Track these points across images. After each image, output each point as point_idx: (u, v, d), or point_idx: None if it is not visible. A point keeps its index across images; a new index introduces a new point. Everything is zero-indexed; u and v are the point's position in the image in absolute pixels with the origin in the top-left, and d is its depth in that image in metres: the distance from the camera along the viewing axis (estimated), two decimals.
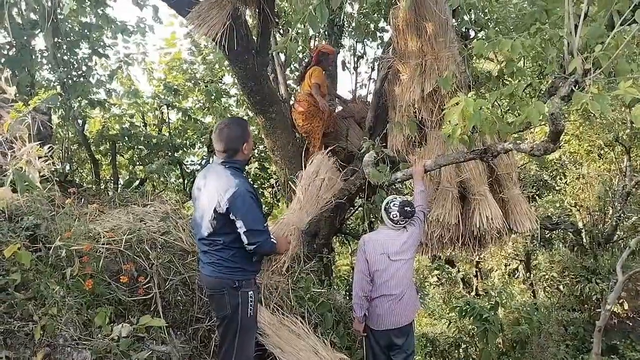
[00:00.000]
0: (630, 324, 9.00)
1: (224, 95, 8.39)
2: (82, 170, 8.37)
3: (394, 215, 3.75)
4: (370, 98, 5.74)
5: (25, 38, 5.88)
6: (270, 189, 8.54)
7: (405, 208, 3.75)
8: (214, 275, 2.94)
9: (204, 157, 8.53)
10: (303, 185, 4.64)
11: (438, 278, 11.35)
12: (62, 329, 2.58)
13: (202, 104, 8.63)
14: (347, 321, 4.44)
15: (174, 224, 4.08)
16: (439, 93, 4.39)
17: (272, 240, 2.94)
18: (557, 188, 10.68)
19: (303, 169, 5.04)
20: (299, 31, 6.88)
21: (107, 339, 2.68)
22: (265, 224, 2.93)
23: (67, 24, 6.38)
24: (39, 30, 5.97)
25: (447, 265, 11.36)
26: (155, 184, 8.28)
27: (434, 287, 11.36)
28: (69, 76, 6.55)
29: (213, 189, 2.89)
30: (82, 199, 4.37)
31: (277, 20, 6.09)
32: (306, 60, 6.19)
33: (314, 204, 4.55)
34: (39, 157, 3.22)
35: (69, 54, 6.62)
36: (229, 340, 2.95)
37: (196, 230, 3.04)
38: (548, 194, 10.86)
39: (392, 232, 3.80)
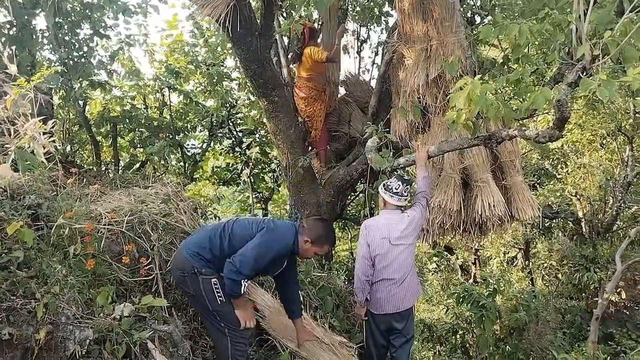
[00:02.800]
0: (627, 312, 9.07)
1: (226, 79, 8.34)
2: (82, 152, 8.34)
3: (397, 187, 3.74)
4: (373, 83, 5.71)
5: (26, 17, 5.83)
6: (271, 174, 8.54)
7: (404, 177, 3.78)
8: (183, 254, 3.00)
9: (205, 141, 8.52)
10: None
11: (437, 265, 11.39)
12: (64, 308, 2.58)
13: (203, 87, 8.58)
14: (347, 305, 4.47)
15: (175, 206, 4.08)
16: (444, 79, 4.37)
17: (243, 283, 2.89)
18: (558, 177, 10.66)
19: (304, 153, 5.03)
20: (303, 14, 6.81)
21: (109, 318, 2.69)
22: (251, 272, 2.92)
23: (68, 3, 6.30)
24: (40, 9, 5.92)
25: (446, 253, 11.41)
26: (155, 166, 8.27)
27: (432, 274, 11.41)
28: (70, 56, 6.50)
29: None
30: (84, 180, 4.36)
31: (281, 2, 6.02)
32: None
33: None
34: (44, 133, 3.20)
35: (70, 34, 6.57)
36: (211, 321, 3.00)
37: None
38: (549, 182, 10.85)
39: (393, 217, 3.80)
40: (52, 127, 3.19)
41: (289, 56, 6.22)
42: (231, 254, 2.93)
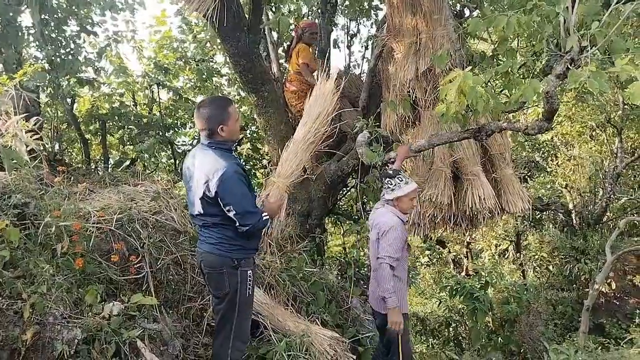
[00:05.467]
0: (617, 303, 9.16)
1: (215, 75, 8.28)
2: (71, 150, 8.27)
3: (386, 182, 3.63)
4: (363, 77, 5.69)
5: (11, 14, 5.75)
6: (262, 170, 8.51)
7: (387, 171, 3.68)
8: (213, 252, 2.88)
9: (195, 137, 8.46)
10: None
11: (429, 258, 11.43)
12: (51, 307, 2.56)
13: (193, 83, 8.52)
14: (339, 300, 4.47)
15: (165, 203, 4.05)
16: (433, 72, 4.36)
17: (264, 217, 2.88)
18: (548, 169, 10.73)
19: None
20: (292, 8, 6.78)
21: (98, 317, 2.66)
22: (255, 205, 2.89)
23: (54, 0, 6.22)
24: (26, 6, 5.83)
25: (437, 246, 11.45)
26: (145, 164, 8.21)
27: (424, 267, 11.46)
28: (57, 54, 6.43)
29: (201, 171, 2.83)
30: (72, 178, 4.31)
31: None
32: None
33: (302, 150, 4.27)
34: (27, 131, 3.16)
35: (56, 31, 6.49)
36: (228, 319, 2.91)
37: (190, 208, 3.01)
38: (539, 175, 10.91)
39: (379, 206, 3.75)
40: (36, 124, 3.14)
41: (279, 51, 6.19)
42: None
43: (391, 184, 3.55)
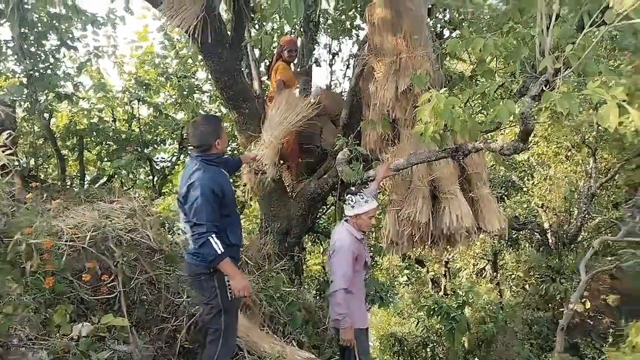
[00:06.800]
0: (592, 322, 9.24)
1: (197, 91, 8.25)
2: (47, 166, 8.11)
3: (348, 199, 3.63)
4: (345, 95, 5.73)
5: None
6: (242, 187, 8.43)
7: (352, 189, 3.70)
8: (191, 261, 3.02)
9: (175, 154, 8.39)
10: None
11: (408, 277, 11.43)
12: (16, 329, 2.46)
13: (174, 100, 8.47)
14: (316, 320, 4.42)
15: (141, 221, 3.97)
16: (413, 92, 4.39)
17: (211, 241, 2.84)
18: (524, 189, 10.88)
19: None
20: (275, 26, 6.82)
21: (66, 339, 2.57)
22: (209, 222, 2.87)
23: (34, 14, 6.15)
24: (4, 19, 5.75)
25: (417, 265, 11.46)
26: (123, 180, 8.09)
27: (403, 287, 11.44)
28: (36, 68, 6.34)
29: (181, 180, 3.06)
30: (45, 194, 4.21)
31: (252, 15, 6.01)
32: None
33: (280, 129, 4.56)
34: (1, 146, 3.08)
35: (36, 45, 6.41)
36: (214, 324, 2.99)
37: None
38: (516, 194, 11.05)
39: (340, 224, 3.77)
40: (8, 138, 3.07)
41: (260, 68, 6.20)
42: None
43: (352, 201, 3.58)
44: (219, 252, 2.84)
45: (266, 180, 4.50)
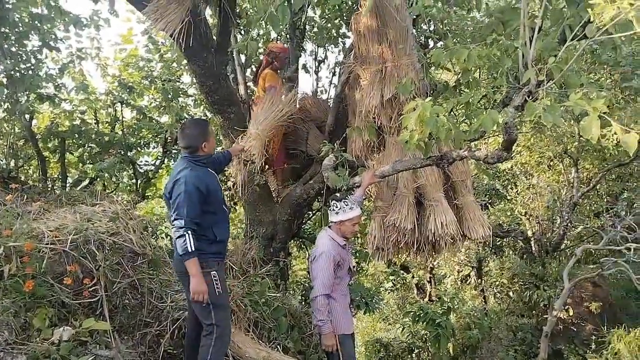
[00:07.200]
0: (575, 329, 9.34)
1: (182, 95, 8.21)
2: (28, 167, 7.98)
3: (332, 205, 3.67)
4: (330, 102, 5.75)
5: None
6: (227, 192, 8.40)
7: (336, 196, 3.73)
8: (177, 258, 3.06)
9: (159, 157, 8.32)
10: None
11: (393, 283, 11.47)
12: None
13: (158, 103, 8.41)
14: (302, 326, 4.41)
15: (124, 225, 3.94)
16: (398, 100, 4.43)
17: (187, 236, 2.90)
18: (508, 197, 11.00)
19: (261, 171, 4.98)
20: (261, 32, 6.82)
21: (46, 343, 2.53)
22: (189, 218, 2.94)
23: (15, 14, 6.07)
24: None
25: (402, 271, 11.51)
26: (106, 183, 8.00)
27: (388, 293, 11.47)
28: (17, 68, 6.25)
29: (170, 177, 3.18)
30: (26, 196, 4.15)
31: (238, 20, 6.00)
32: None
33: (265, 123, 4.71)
34: None
35: (17, 45, 6.33)
36: (206, 319, 3.03)
37: None
38: (500, 202, 11.17)
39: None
40: None
41: (246, 73, 6.19)
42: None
43: (336, 207, 3.62)
44: (190, 249, 2.91)
45: (255, 170, 4.64)
